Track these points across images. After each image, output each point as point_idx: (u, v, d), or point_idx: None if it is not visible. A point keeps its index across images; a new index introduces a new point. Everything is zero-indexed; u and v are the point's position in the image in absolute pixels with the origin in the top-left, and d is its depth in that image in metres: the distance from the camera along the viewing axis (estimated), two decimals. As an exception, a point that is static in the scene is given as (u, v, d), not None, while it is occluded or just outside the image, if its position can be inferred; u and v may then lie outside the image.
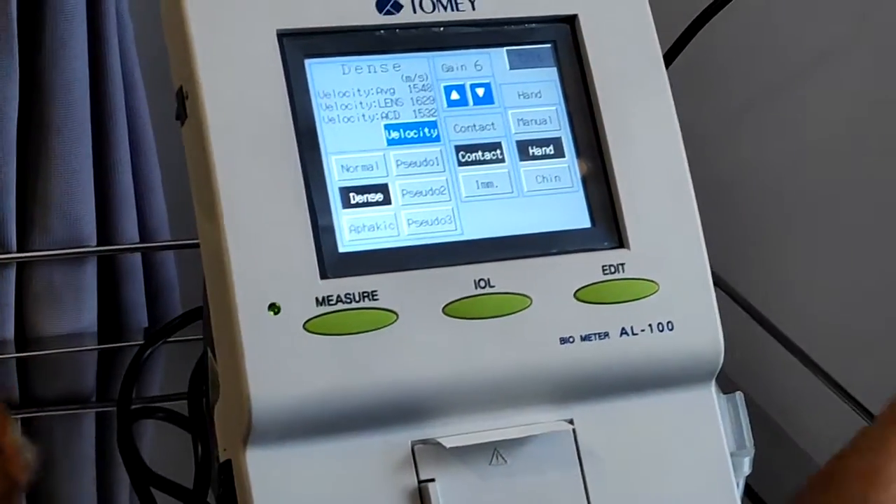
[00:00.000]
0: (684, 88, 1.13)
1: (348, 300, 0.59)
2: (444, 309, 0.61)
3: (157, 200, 1.04)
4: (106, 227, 1.02)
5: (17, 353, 1.01)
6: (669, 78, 0.70)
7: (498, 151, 0.64)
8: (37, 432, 0.93)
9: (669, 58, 0.93)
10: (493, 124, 0.64)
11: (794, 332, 0.99)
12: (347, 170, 0.62)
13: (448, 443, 0.60)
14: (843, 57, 1.27)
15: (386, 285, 0.60)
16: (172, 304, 1.09)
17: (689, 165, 0.66)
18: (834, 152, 1.29)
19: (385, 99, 0.63)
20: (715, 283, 1.03)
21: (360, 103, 0.63)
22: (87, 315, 1.01)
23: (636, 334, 0.63)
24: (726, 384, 0.78)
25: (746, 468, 0.74)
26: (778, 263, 1.31)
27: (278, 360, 0.58)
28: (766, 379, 1.24)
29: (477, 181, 0.63)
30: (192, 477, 0.75)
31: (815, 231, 1.31)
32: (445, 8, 0.64)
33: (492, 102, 0.64)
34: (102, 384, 1.01)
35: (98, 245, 1.02)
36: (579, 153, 0.65)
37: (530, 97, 0.65)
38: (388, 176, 0.62)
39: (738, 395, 0.72)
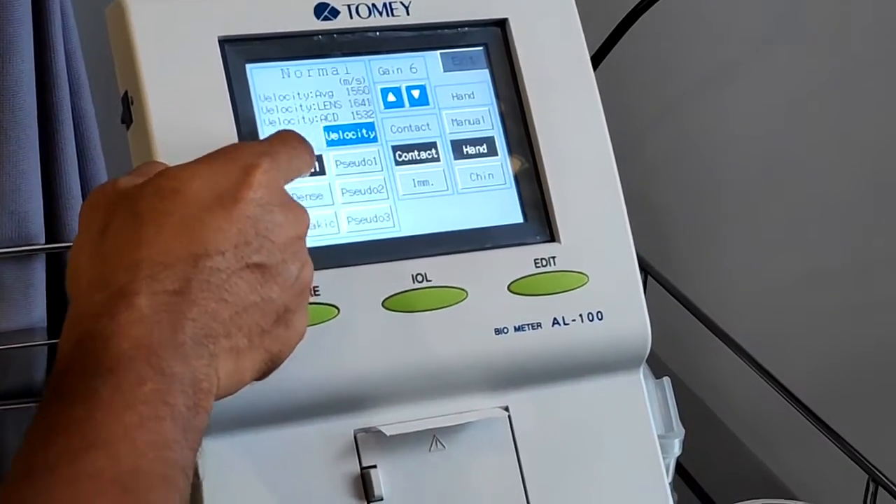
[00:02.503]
0: (618, 82, 1.15)
1: (291, 296, 0.61)
2: (383, 303, 0.63)
3: (103, 198, 1.05)
4: (53, 225, 1.03)
5: (-33, 349, 1.02)
6: (602, 72, 0.72)
7: (433, 151, 0.66)
8: (-11, 426, 0.94)
9: (600, 56, 0.95)
10: (428, 125, 0.66)
11: (722, 313, 1.01)
12: (289, 170, 0.64)
13: (389, 431, 0.62)
14: (775, 50, 1.30)
15: (327, 281, 0.62)
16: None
17: (623, 158, 0.69)
18: (764, 147, 1.32)
19: (324, 102, 0.65)
20: (646, 272, 1.06)
21: (300, 106, 0.65)
22: (36, 311, 1.02)
23: (567, 324, 0.65)
24: (660, 370, 0.80)
25: (677, 449, 0.77)
26: (708, 254, 1.34)
27: (224, 354, 0.60)
28: (697, 362, 1.27)
29: (413, 179, 0.65)
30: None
31: (745, 222, 1.34)
32: (381, 13, 0.66)
33: (427, 104, 0.67)
34: (53, 379, 1.02)
35: (46, 243, 1.03)
36: (511, 151, 0.67)
37: (464, 98, 0.67)
38: (327, 176, 0.64)
39: (666, 381, 0.75)
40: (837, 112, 1.33)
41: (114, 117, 0.67)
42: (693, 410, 0.92)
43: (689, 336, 1.12)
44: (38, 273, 1.02)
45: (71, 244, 1.02)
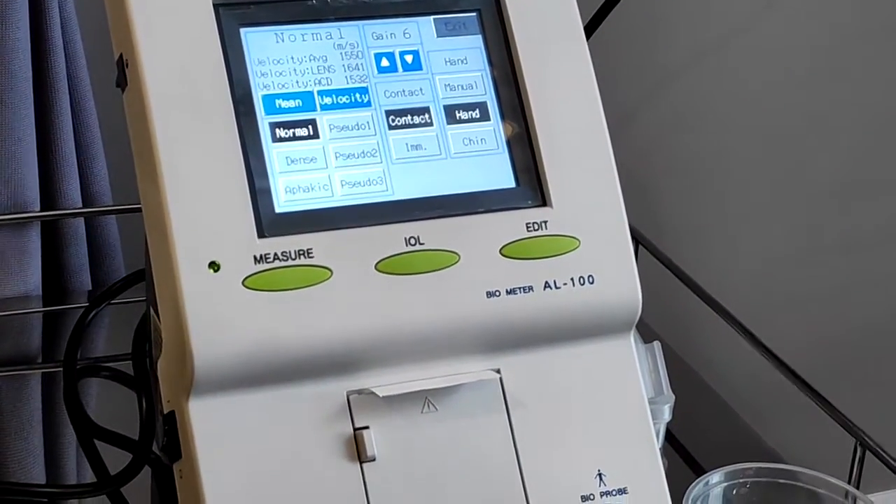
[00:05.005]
0: (609, 53, 1.15)
1: (285, 258, 0.62)
2: (376, 265, 0.63)
3: (99, 166, 1.05)
4: (49, 192, 1.03)
5: (-37, 316, 1.02)
6: (594, 43, 0.72)
7: (426, 115, 0.66)
8: (-16, 393, 0.94)
9: (592, 26, 0.95)
10: (421, 90, 0.67)
11: (713, 286, 1.02)
12: (283, 134, 0.64)
13: (381, 392, 0.63)
14: (769, 22, 1.30)
15: (321, 243, 0.62)
16: (115, 267, 1.10)
17: (618, 129, 0.69)
18: (757, 120, 1.32)
19: (318, 66, 0.65)
20: (638, 242, 1.07)
21: (294, 70, 0.65)
22: (31, 278, 1.02)
23: (559, 288, 0.66)
24: (650, 337, 0.81)
25: (667, 415, 0.77)
26: (700, 227, 1.35)
27: (218, 315, 0.61)
28: (689, 332, 1.28)
29: (406, 144, 0.66)
30: (135, 434, 0.76)
31: (737, 196, 1.35)
32: (374, -22, 0.66)
33: (420, 69, 0.67)
34: (48, 345, 1.02)
35: (41, 210, 1.03)
36: (504, 116, 0.67)
37: (457, 63, 0.68)
38: (321, 139, 0.64)
39: (656, 345, 0.75)
40: (832, 88, 1.33)
41: (109, 84, 0.67)
42: (683, 379, 0.93)
43: (679, 306, 1.13)
44: (34, 240, 1.02)
45: (66, 211, 1.03)
